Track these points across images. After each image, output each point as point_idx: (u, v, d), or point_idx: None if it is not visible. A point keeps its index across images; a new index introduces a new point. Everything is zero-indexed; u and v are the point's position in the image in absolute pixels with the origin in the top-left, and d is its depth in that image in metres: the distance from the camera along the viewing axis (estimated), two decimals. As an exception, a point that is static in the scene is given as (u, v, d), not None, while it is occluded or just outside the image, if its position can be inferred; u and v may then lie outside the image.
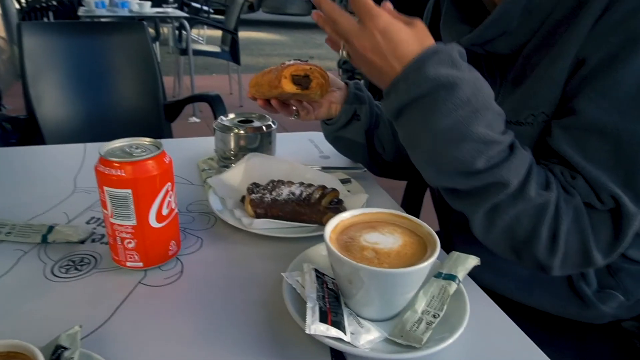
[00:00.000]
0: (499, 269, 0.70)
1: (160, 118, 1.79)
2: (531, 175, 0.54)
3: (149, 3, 3.70)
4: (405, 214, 0.52)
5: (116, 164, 0.50)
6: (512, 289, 0.72)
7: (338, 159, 0.92)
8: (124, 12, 3.60)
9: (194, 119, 3.67)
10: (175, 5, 5.80)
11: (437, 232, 0.50)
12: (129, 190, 0.51)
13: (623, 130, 0.51)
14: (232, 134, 0.85)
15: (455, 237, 0.79)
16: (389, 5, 0.55)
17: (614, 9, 0.51)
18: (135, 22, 1.78)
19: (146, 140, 0.56)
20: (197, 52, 3.92)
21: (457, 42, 0.61)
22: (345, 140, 0.81)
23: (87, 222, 0.67)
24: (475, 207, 0.55)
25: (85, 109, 1.69)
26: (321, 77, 0.69)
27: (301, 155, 0.95)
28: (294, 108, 0.78)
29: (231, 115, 0.90)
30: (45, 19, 4.74)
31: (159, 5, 5.45)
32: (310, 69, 0.68)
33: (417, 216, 0.52)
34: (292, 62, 0.70)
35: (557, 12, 0.57)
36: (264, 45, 8.00)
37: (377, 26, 0.51)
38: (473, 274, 0.57)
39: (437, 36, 0.76)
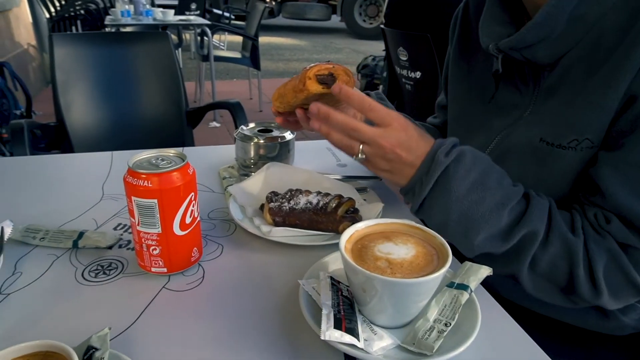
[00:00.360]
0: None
1: (182, 124, 1.84)
2: (554, 220, 0.57)
3: (172, 11, 3.80)
4: (418, 225, 0.54)
5: (143, 175, 0.53)
6: (530, 299, 0.73)
7: (355, 167, 0.94)
8: (148, 20, 3.70)
9: (215, 124, 3.74)
10: (198, 12, 5.91)
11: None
12: (155, 200, 0.54)
13: None
14: (252, 143, 0.88)
15: None
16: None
17: None
18: (160, 32, 1.84)
19: (171, 152, 0.59)
20: (218, 58, 3.99)
21: (496, 44, 0.64)
22: None
23: (115, 229, 0.71)
24: (518, 267, 0.58)
25: (111, 116, 1.75)
26: (346, 75, 0.67)
27: (319, 163, 0.97)
28: None
29: (251, 125, 0.93)
30: (73, 28, 4.90)
31: (182, 13, 5.58)
32: (334, 67, 0.66)
33: None
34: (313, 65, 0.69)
35: (604, 23, 0.57)
36: (284, 50, 8.08)
37: (401, 124, 0.56)
38: (491, 284, 0.59)
39: (466, 39, 0.79)
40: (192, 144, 1.86)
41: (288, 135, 0.90)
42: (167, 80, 1.82)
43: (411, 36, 2.25)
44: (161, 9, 4.05)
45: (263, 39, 8.61)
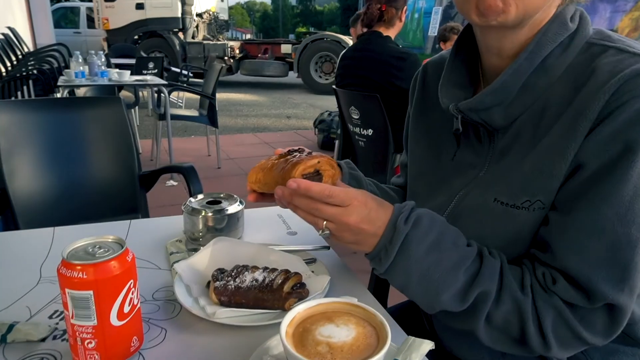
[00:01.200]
0: (474, 344, 0.72)
1: (135, 189, 1.81)
2: (505, 279, 0.61)
3: (128, 72, 3.81)
4: (359, 304, 0.55)
5: (78, 267, 0.52)
6: (485, 359, 0.74)
7: (305, 235, 0.95)
8: (104, 81, 3.69)
9: (172, 182, 3.68)
10: (156, 71, 5.96)
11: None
12: (90, 292, 0.52)
13: (621, 234, 0.56)
14: (200, 216, 0.87)
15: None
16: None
17: (612, 117, 0.55)
18: (111, 97, 1.83)
19: (110, 238, 0.58)
20: (175, 117, 4.00)
21: (456, 105, 0.69)
22: None
23: (50, 317, 0.67)
24: (475, 323, 0.62)
25: (60, 183, 1.70)
26: (331, 168, 0.68)
27: (269, 232, 0.97)
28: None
29: (200, 196, 0.93)
30: (25, 88, 4.81)
31: (140, 72, 5.61)
32: (319, 162, 0.67)
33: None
34: (295, 157, 0.68)
35: (550, 93, 0.62)
36: (243, 106, 8.21)
37: (360, 201, 0.61)
38: (448, 344, 0.60)
39: (425, 101, 0.84)
40: (145, 208, 1.82)
41: (237, 207, 0.90)
42: (119, 145, 1.80)
43: (361, 96, 2.35)
44: (117, 70, 4.07)
45: (222, 95, 8.74)
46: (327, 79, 9.99)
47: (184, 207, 0.90)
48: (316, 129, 5.21)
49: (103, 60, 3.92)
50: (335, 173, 0.68)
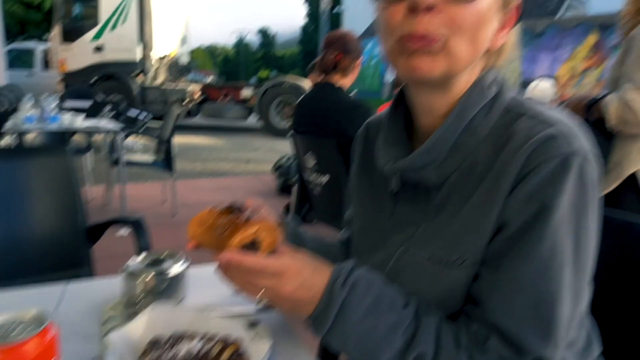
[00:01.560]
0: None
1: (80, 242, 1.73)
2: (442, 339, 0.62)
3: (81, 117, 3.73)
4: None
5: (-11, 350, 0.48)
6: None
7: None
8: (54, 127, 3.58)
9: (122, 233, 3.55)
10: (112, 114, 5.86)
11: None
12: (1, 378, 0.48)
13: (543, 290, 0.59)
14: (138, 280, 0.84)
15: None
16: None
17: (528, 179, 0.59)
18: (57, 147, 1.78)
19: (31, 313, 0.55)
20: (130, 163, 3.92)
21: (391, 165, 0.71)
22: None
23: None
24: None
25: (-5, 238, 1.60)
26: (270, 235, 0.66)
27: (213, 293, 0.94)
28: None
29: (141, 257, 0.90)
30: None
31: (95, 115, 5.50)
32: (257, 231, 0.64)
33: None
34: (234, 218, 0.66)
35: (477, 153, 0.66)
36: (202, 150, 8.15)
37: (294, 270, 0.62)
38: None
39: (367, 158, 0.86)
40: (89, 264, 1.74)
41: (179, 268, 0.88)
42: (63, 197, 1.73)
43: (318, 142, 2.39)
44: (70, 114, 3.96)
45: (181, 139, 8.67)
46: (287, 123, 10.13)
47: (122, 270, 0.86)
48: (275, 174, 5.22)
49: (55, 104, 3.82)
50: (274, 240, 0.67)
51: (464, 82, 0.67)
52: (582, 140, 0.61)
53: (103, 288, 0.95)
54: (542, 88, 3.90)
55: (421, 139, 0.74)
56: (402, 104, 0.78)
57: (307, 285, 0.61)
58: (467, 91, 0.67)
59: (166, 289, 0.86)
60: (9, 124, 3.66)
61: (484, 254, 0.64)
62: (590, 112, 1.48)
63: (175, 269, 0.87)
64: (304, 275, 0.62)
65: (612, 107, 1.39)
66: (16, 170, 1.69)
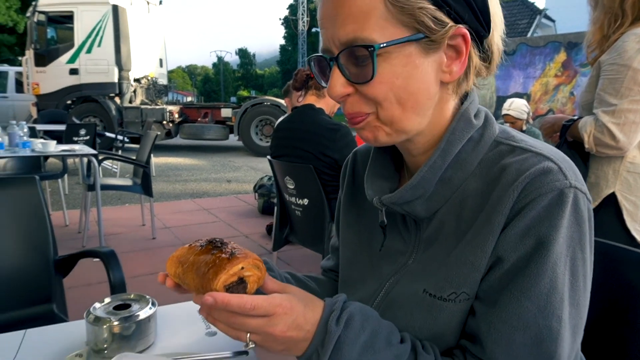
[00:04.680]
0: None
1: (49, 275, 1.65)
2: None
3: (54, 142, 3.63)
4: None
5: None
6: None
7: (224, 337, 0.88)
8: (25, 152, 3.48)
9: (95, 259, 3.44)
10: (87, 137, 5.74)
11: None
12: None
13: (543, 326, 0.57)
14: (104, 326, 0.79)
15: None
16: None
17: (523, 214, 0.58)
18: (25, 177, 1.71)
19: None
20: (107, 187, 3.82)
21: (379, 198, 0.70)
22: None
23: None
24: None
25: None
26: (256, 271, 0.62)
27: (185, 335, 0.89)
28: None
29: (106, 301, 0.85)
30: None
31: (70, 139, 5.38)
32: (242, 268, 0.61)
33: None
34: (217, 255, 0.61)
35: (467, 186, 0.65)
36: (182, 171, 8.04)
37: (284, 308, 0.58)
38: None
39: (355, 188, 0.84)
40: (61, 296, 1.66)
41: (148, 311, 0.83)
42: (32, 229, 1.66)
43: (296, 166, 2.36)
44: (41, 140, 3.85)
45: (160, 160, 8.54)
46: (267, 142, 10.11)
47: (85, 315, 0.81)
48: (256, 194, 5.17)
49: (26, 130, 3.72)
50: (261, 276, 0.63)
51: (437, 122, 0.66)
52: (576, 172, 0.61)
53: (65, 335, 0.89)
54: (517, 105, 3.97)
55: (410, 170, 0.74)
56: None
57: (298, 324, 0.58)
58: (451, 126, 0.66)
59: (134, 333, 0.81)
60: (-23, 151, 3.54)
61: (478, 289, 0.62)
62: (566, 133, 1.49)
63: (144, 312, 0.82)
64: (295, 313, 0.58)
65: (588, 129, 1.41)
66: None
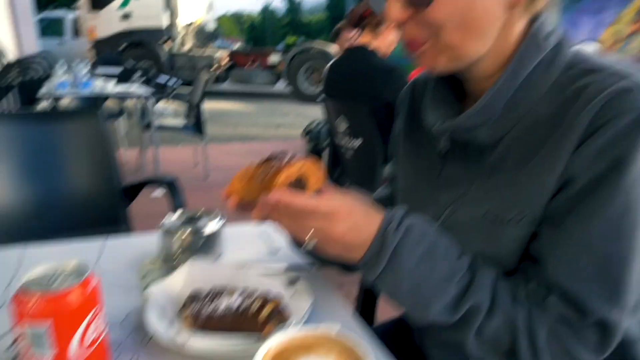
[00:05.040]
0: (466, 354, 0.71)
1: (115, 203, 1.75)
2: (498, 292, 0.59)
3: (113, 82, 3.76)
4: (340, 335, 0.51)
5: (32, 297, 0.48)
6: None
7: (288, 252, 0.91)
8: (86, 92, 3.63)
9: (157, 194, 3.61)
10: (142, 80, 5.89)
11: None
12: (46, 326, 0.48)
13: (612, 249, 0.55)
14: (175, 237, 0.83)
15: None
16: None
17: (600, 133, 0.55)
18: (90, 111, 1.79)
19: (71, 265, 0.54)
20: (161, 127, 3.95)
21: (440, 125, 0.68)
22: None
23: (9, 347, 0.62)
24: (465, 335, 0.60)
25: (35, 198, 1.64)
26: (315, 173, 0.63)
27: (250, 251, 0.93)
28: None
29: (177, 214, 0.89)
30: (7, 98, 4.72)
31: (125, 81, 5.54)
32: (302, 168, 0.62)
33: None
34: (276, 164, 0.63)
35: (538, 109, 0.61)
36: (231, 116, 8.16)
37: (346, 211, 0.58)
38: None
39: (412, 117, 0.82)
40: (126, 222, 1.77)
41: (216, 225, 0.86)
42: (98, 158, 1.75)
43: (350, 106, 2.33)
44: (102, 79, 4.00)
45: (210, 105, 8.67)
46: (315, 88, 10.00)
47: (159, 227, 0.85)
48: (305, 139, 5.19)
49: (87, 70, 3.86)
50: (320, 177, 0.64)
51: (503, 45, 0.62)
52: None
53: (141, 244, 0.95)
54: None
55: (472, 97, 0.69)
56: None
57: (357, 228, 0.59)
58: (520, 48, 0.61)
59: (203, 246, 0.85)
60: (43, 90, 3.73)
61: (545, 211, 0.59)
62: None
63: (212, 226, 0.86)
64: (356, 218, 0.59)
65: None
66: (53, 133, 1.71)
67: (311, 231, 0.58)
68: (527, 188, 0.60)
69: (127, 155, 4.63)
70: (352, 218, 0.58)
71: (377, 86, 2.25)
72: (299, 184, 0.62)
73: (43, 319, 0.48)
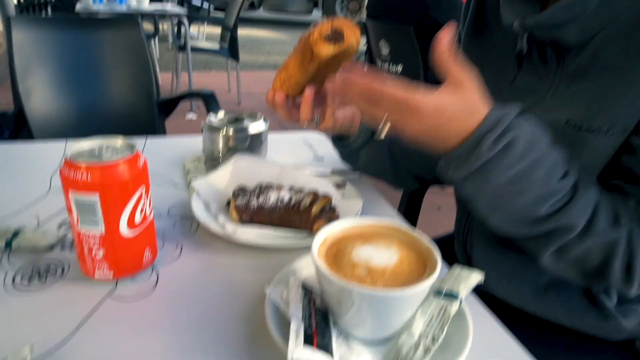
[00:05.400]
0: (516, 277, 0.67)
1: (153, 115, 1.74)
2: (598, 213, 0.52)
3: (147, 0, 3.65)
4: (402, 226, 0.47)
5: (82, 167, 0.45)
6: (528, 299, 0.68)
7: (333, 160, 0.87)
8: (122, 9, 3.54)
9: (191, 116, 3.62)
10: (175, 1, 5.74)
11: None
12: (96, 196, 0.46)
13: None
14: (220, 135, 0.80)
15: (474, 239, 0.73)
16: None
17: None
18: (129, 18, 1.73)
19: (119, 141, 0.51)
20: (195, 49, 3.87)
21: (521, 21, 0.58)
22: (365, 159, 0.76)
23: (59, 227, 0.62)
24: (541, 250, 0.54)
25: (75, 105, 1.64)
26: (350, 25, 0.59)
27: (294, 156, 0.90)
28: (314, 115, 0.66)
29: (221, 114, 0.85)
30: (43, 14, 4.68)
31: (159, 1, 5.40)
32: (333, 24, 0.58)
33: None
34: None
35: (636, 8, 0.52)
36: (264, 44, 7.95)
37: (473, 88, 0.50)
38: (487, 284, 0.54)
39: (481, 19, 0.73)
40: (163, 132, 1.76)
41: (260, 126, 0.82)
42: (136, 69, 1.71)
43: (393, 28, 2.19)
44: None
45: (243, 32, 8.44)
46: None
47: (203, 125, 0.82)
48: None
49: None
50: (355, 31, 0.58)
51: None
52: None
53: (182, 145, 0.93)
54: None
55: None
56: None
57: (450, 117, 0.49)
58: None
59: (247, 147, 0.81)
60: (79, 6, 3.67)
61: None
62: None
63: (257, 127, 0.82)
64: (445, 101, 0.49)
65: None
66: (92, 40, 1.68)
67: (384, 120, 0.50)
68: (622, 94, 0.53)
69: (160, 78, 4.60)
70: (433, 121, 0.49)
71: (427, 3, 2.09)
72: (334, 38, 0.57)
73: (91, 190, 0.46)
